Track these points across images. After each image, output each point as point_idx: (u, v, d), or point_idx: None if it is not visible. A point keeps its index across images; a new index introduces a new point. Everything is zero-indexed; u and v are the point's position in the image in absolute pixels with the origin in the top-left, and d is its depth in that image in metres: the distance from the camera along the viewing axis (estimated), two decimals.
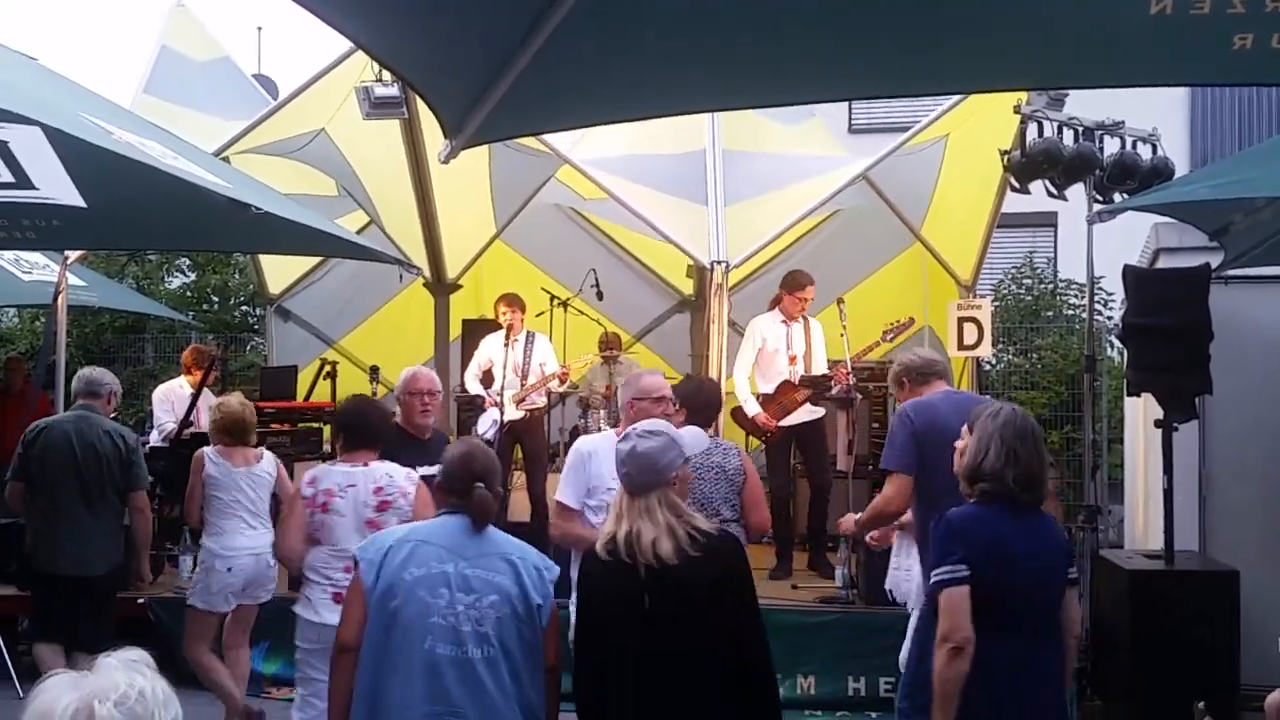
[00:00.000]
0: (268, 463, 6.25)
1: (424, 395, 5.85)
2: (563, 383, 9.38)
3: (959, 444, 3.96)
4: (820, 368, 8.42)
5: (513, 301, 9.03)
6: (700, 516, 3.58)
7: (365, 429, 5.12)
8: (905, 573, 5.52)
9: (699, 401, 5.44)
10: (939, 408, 4.90)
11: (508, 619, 3.46)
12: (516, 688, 3.47)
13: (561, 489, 4.91)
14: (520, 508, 8.88)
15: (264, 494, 6.18)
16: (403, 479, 4.99)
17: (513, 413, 8.79)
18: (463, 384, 9.46)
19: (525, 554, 3.62)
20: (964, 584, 3.62)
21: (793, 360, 8.44)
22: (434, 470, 5.19)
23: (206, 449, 6.18)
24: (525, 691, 3.50)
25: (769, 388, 8.48)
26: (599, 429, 9.16)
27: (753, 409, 8.45)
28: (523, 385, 8.91)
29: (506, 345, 8.89)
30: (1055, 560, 3.79)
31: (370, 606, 3.46)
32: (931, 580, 3.73)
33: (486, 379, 8.93)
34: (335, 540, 4.93)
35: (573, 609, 4.19)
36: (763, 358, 8.55)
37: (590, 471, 4.83)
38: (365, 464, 5.00)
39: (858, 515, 5.51)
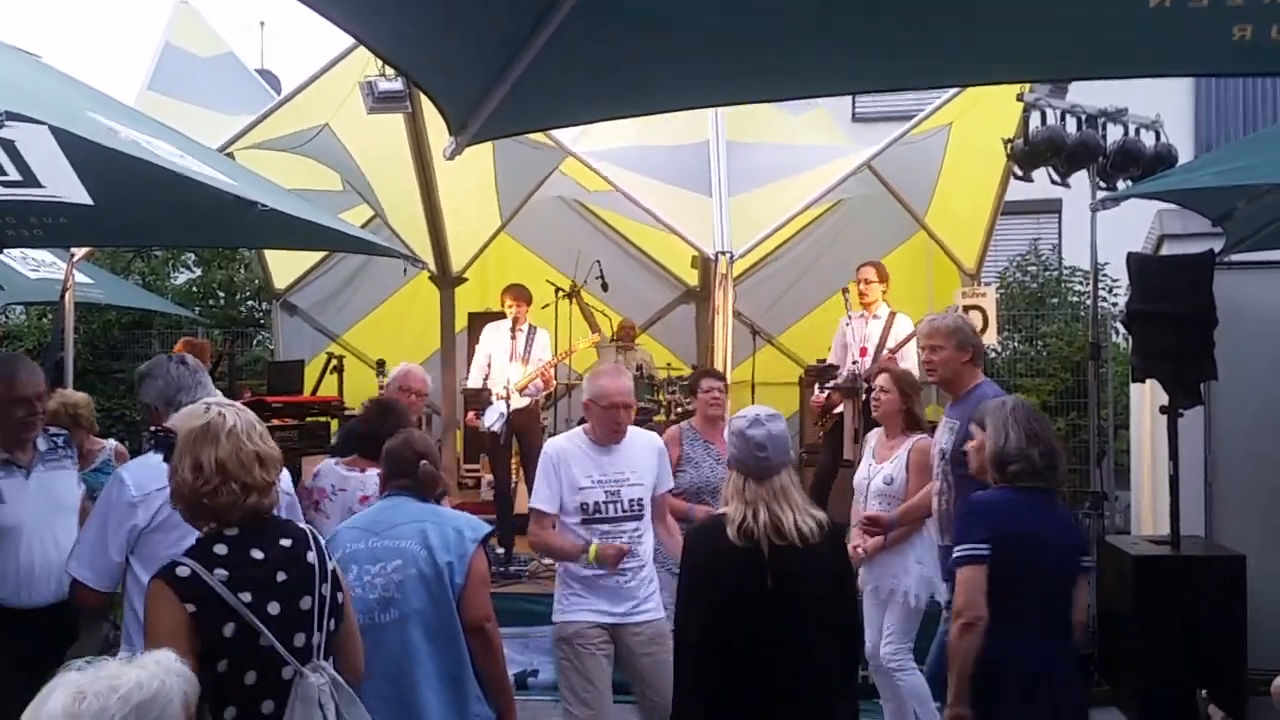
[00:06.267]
0: None
1: (410, 394, 6.09)
2: (568, 356, 9.54)
3: (972, 444, 4.02)
4: (902, 361, 8.34)
5: (519, 294, 9.06)
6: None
7: (375, 442, 5.08)
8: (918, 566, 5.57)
9: None
10: None
11: (412, 580, 3.62)
12: (431, 648, 3.63)
13: (537, 494, 4.80)
14: (524, 500, 8.90)
15: None
16: None
17: (518, 401, 8.85)
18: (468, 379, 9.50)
19: (444, 519, 3.77)
20: (982, 563, 3.72)
21: (862, 353, 8.56)
22: None
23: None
24: (442, 652, 3.64)
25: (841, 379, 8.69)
26: None
27: (816, 394, 8.75)
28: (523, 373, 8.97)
29: (514, 337, 8.92)
30: (1074, 553, 3.86)
31: None
32: (953, 557, 3.83)
33: (489, 371, 9.01)
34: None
35: None
36: (847, 353, 8.74)
37: (563, 475, 4.74)
38: (362, 470, 5.03)
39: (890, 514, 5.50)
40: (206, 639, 2.70)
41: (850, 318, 8.74)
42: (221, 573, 2.76)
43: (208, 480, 2.81)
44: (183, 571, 2.74)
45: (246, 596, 2.77)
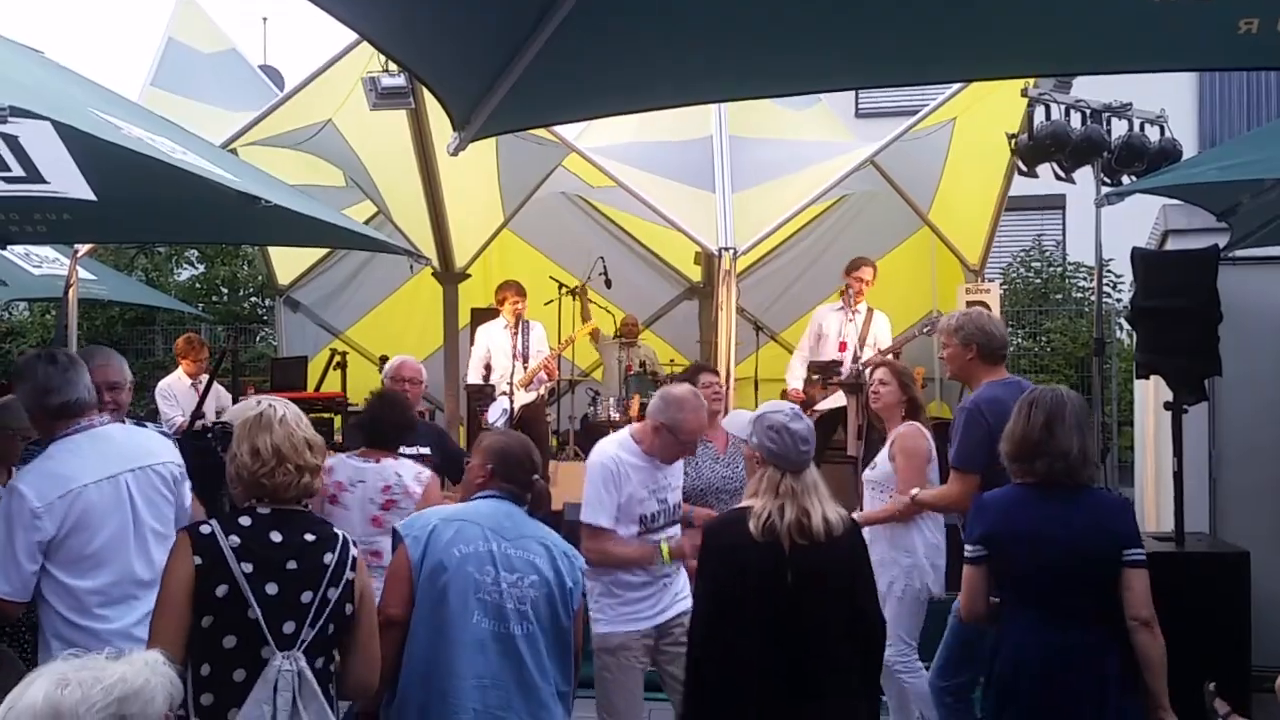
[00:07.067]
0: None
1: (405, 383, 6.09)
2: (569, 345, 9.63)
3: None
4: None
5: (521, 290, 9.12)
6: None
7: (380, 429, 5.18)
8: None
9: None
10: (1009, 404, 4.34)
11: (544, 600, 3.60)
12: (552, 665, 3.63)
13: (592, 510, 4.63)
14: None
15: None
16: (410, 479, 5.00)
17: (523, 396, 8.87)
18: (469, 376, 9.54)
19: (555, 540, 3.77)
20: (976, 564, 3.79)
21: (842, 348, 8.62)
22: (419, 450, 5.40)
23: None
24: (558, 667, 3.66)
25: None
26: (608, 416, 9.21)
27: (791, 386, 8.80)
28: (525, 370, 9.00)
29: (515, 333, 8.97)
30: (1096, 543, 3.68)
31: (418, 581, 3.52)
32: None
33: (488, 372, 9.03)
34: None
35: None
36: (822, 345, 8.78)
37: (624, 489, 4.64)
38: (377, 460, 5.03)
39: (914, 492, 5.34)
40: (201, 592, 2.96)
41: (849, 313, 8.73)
42: (235, 540, 3.01)
43: (265, 463, 3.09)
44: (205, 529, 3.04)
45: (248, 568, 2.98)
